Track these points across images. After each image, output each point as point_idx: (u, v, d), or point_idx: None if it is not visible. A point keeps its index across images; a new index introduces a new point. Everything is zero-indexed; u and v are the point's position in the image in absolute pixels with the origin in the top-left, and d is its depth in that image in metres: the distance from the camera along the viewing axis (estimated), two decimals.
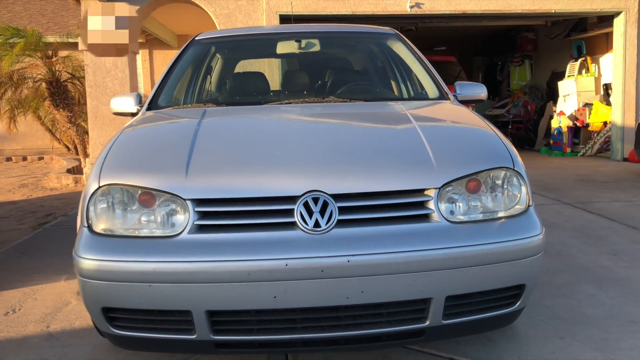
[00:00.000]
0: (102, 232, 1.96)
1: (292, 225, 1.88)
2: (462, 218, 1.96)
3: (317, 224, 1.87)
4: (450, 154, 2.09)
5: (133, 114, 3.21)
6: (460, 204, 1.99)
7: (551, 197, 5.82)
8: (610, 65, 9.55)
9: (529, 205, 2.07)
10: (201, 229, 1.90)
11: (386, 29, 3.63)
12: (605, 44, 10.24)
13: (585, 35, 10.74)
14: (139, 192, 1.97)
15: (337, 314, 1.90)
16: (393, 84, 3.39)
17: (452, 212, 1.96)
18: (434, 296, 1.89)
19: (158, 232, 1.92)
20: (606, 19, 9.60)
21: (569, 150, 10.01)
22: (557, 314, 2.73)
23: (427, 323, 1.94)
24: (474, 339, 2.46)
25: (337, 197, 1.91)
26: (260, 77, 3.57)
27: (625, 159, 8.84)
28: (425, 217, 1.95)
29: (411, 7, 8.80)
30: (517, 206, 2.05)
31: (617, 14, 9.05)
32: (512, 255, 1.94)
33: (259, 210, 1.91)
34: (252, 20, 8.76)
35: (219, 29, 8.74)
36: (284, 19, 8.91)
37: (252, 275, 1.80)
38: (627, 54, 9.02)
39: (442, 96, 3.08)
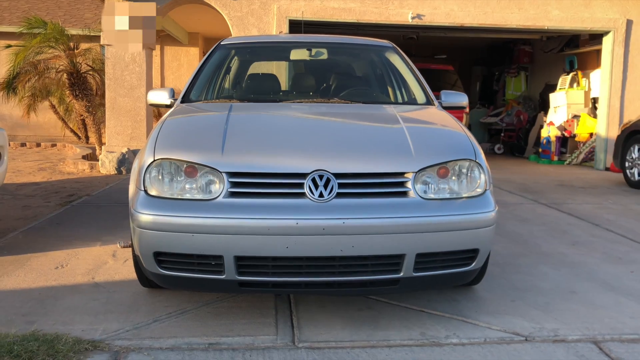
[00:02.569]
0: (155, 194, 2.56)
1: (302, 195, 2.49)
2: (432, 196, 2.57)
3: (321, 195, 2.47)
4: (426, 147, 2.70)
5: (167, 106, 3.82)
6: (432, 186, 2.59)
7: (530, 198, 6.43)
8: (599, 81, 10.16)
9: (486, 189, 2.68)
10: (232, 195, 2.50)
11: (385, 42, 4.24)
12: (595, 60, 10.85)
13: (577, 51, 11.38)
14: (185, 165, 2.57)
15: (333, 262, 2.50)
16: (389, 89, 3.99)
17: (425, 192, 2.57)
18: (407, 252, 2.50)
19: (199, 196, 2.52)
20: (597, 37, 10.22)
21: (556, 158, 10.64)
22: (513, 285, 3.34)
23: (402, 274, 2.55)
24: (441, 298, 3.06)
25: (337, 175, 2.51)
26: (274, 78, 4.17)
27: (607, 169, 9.45)
28: (404, 194, 2.55)
29: (412, 18, 9.41)
30: (477, 189, 2.65)
31: (606, 33, 9.67)
32: (469, 225, 2.54)
33: (277, 183, 2.51)
34: (263, 23, 9.36)
35: (232, 32, 9.36)
36: (293, 23, 9.51)
37: (271, 230, 2.41)
38: (614, 71, 9.64)
39: (429, 102, 3.68)
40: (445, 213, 2.51)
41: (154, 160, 2.60)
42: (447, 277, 2.66)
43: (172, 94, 3.83)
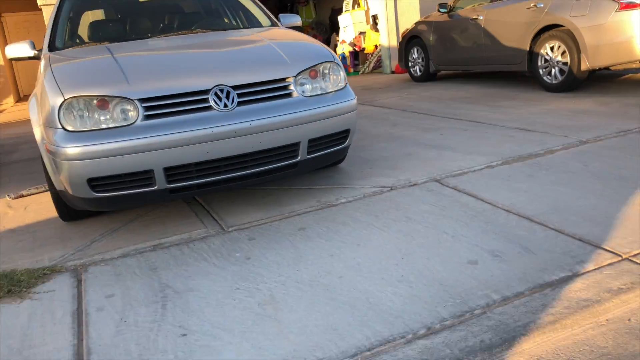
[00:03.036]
0: (73, 129, 2.58)
1: (208, 108, 2.70)
2: (310, 94, 2.94)
3: (225, 106, 2.71)
4: (297, 56, 3.03)
5: (31, 57, 3.61)
6: (308, 86, 2.96)
7: None
8: (376, 1, 11.10)
9: (346, 84, 3.12)
10: (148, 117, 2.62)
11: None
12: None
13: None
14: (96, 99, 2.61)
15: (245, 159, 2.78)
16: (237, 16, 4.16)
17: (303, 92, 2.93)
18: (301, 140, 2.88)
19: (118, 124, 2.60)
20: None
21: (352, 70, 11.59)
22: (365, 159, 3.92)
23: (299, 158, 2.93)
24: (320, 178, 3.53)
25: (235, 87, 2.76)
26: (132, 19, 4.09)
27: (392, 72, 10.60)
28: (289, 95, 2.89)
29: None
30: (340, 84, 3.07)
31: None
32: (342, 111, 2.98)
33: (185, 102, 2.68)
34: None
35: None
36: None
37: (192, 140, 2.61)
38: None
39: (274, 24, 3.98)
40: (324, 104, 2.91)
41: (65, 100, 2.59)
42: (331, 154, 3.10)
43: (33, 45, 3.62)
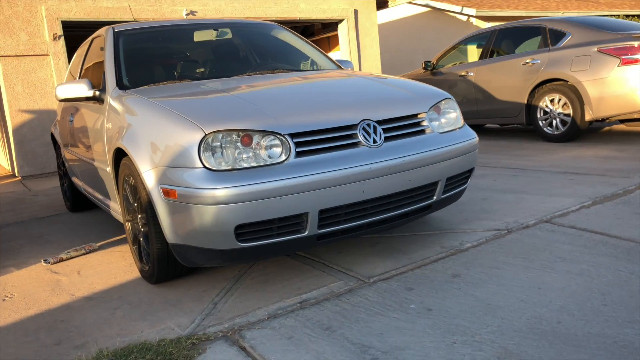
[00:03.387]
0: (217, 168, 2.22)
1: (357, 144, 2.44)
2: (441, 130, 2.78)
3: (374, 141, 2.47)
4: (418, 92, 2.88)
5: (88, 98, 3.20)
6: (436, 122, 2.79)
7: None
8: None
9: (464, 122, 2.99)
10: (299, 154, 2.32)
11: (272, 23, 4.19)
12: (327, 45, 12.06)
13: (314, 39, 12.45)
14: (241, 134, 2.28)
15: (390, 200, 2.53)
16: (302, 59, 3.95)
17: (436, 127, 2.76)
18: (441, 178, 2.68)
19: (268, 161, 2.27)
20: (328, 26, 11.35)
21: None
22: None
23: (434, 198, 2.72)
24: (416, 222, 3.31)
25: (379, 122, 2.54)
26: (210, 58, 3.75)
27: None
28: (423, 131, 2.70)
29: (187, 14, 9.12)
30: (460, 121, 2.94)
31: (341, 20, 10.82)
32: (471, 148, 2.83)
33: (333, 137, 2.42)
34: (31, 26, 8.00)
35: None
36: (67, 25, 8.36)
37: (350, 178, 2.33)
38: (351, 51, 10.87)
39: (339, 67, 3.82)
40: (457, 141, 2.75)
41: (206, 135, 2.24)
42: (456, 195, 2.91)
43: (92, 85, 3.21)
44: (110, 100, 3.07)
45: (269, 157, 2.29)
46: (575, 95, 5.91)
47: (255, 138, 2.29)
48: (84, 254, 3.42)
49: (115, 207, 3.22)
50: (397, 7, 16.41)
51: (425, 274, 2.54)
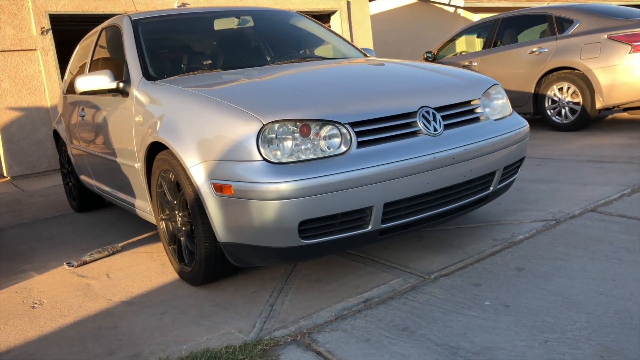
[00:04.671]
0: (277, 161, 2.06)
1: (416, 132, 2.31)
2: (495, 117, 2.66)
3: (434, 130, 2.34)
4: (467, 79, 2.75)
5: (111, 90, 3.01)
6: (489, 109, 2.67)
7: None
8: None
9: (512, 109, 2.87)
10: (361, 144, 2.18)
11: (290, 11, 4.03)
12: None
13: None
14: (300, 124, 2.12)
15: (451, 191, 2.40)
16: (337, 47, 3.79)
17: (490, 114, 2.64)
18: (498, 168, 2.56)
19: (333, 152, 2.12)
20: (320, 18, 11.17)
21: None
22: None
23: (491, 189, 2.60)
24: (478, 213, 3.20)
25: (437, 109, 2.41)
26: (240, 47, 3.57)
27: None
28: (478, 119, 2.58)
29: (178, 6, 8.87)
30: (509, 108, 2.82)
31: (334, 12, 10.67)
32: (524, 136, 2.72)
33: (392, 126, 2.28)
34: (18, 20, 7.67)
35: None
36: (54, 18, 8.05)
37: (416, 168, 2.19)
38: None
39: (364, 55, 3.68)
40: (511, 129, 2.63)
41: (264, 125, 2.08)
42: (509, 184, 2.80)
43: (114, 76, 3.02)
44: (137, 92, 2.88)
45: (328, 148, 2.14)
46: (585, 83, 5.87)
47: (314, 128, 2.14)
48: (107, 256, 3.23)
49: (142, 206, 3.04)
50: (381, 0, 16.30)
51: (487, 269, 2.43)
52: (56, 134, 4.81)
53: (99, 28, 4.04)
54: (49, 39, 7.89)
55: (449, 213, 2.48)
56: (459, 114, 2.49)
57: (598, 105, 5.82)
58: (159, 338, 2.09)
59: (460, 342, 1.84)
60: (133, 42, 3.14)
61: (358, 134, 2.19)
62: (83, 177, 4.28)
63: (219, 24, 3.57)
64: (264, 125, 2.08)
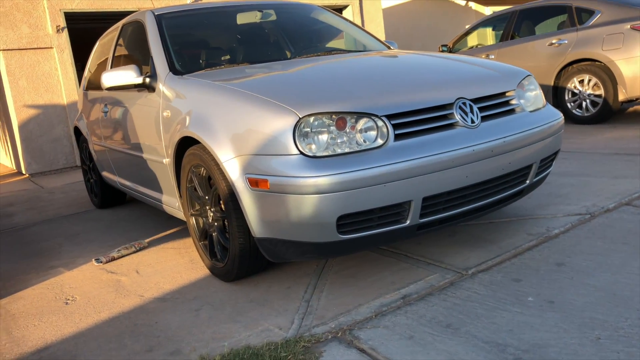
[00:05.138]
0: (315, 154, 2.02)
1: (453, 124, 2.25)
2: (530, 108, 2.59)
3: (472, 122, 2.28)
4: (500, 70, 2.68)
5: (137, 85, 2.97)
6: (523, 101, 2.61)
7: None
8: None
9: (546, 101, 2.81)
10: (398, 137, 2.13)
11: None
12: None
13: None
14: (336, 117, 2.07)
15: (489, 185, 2.35)
16: (360, 40, 3.73)
17: (525, 106, 2.58)
18: (535, 161, 2.50)
19: (369, 145, 2.07)
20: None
21: None
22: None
23: (527, 183, 2.54)
24: (510, 208, 3.14)
25: (474, 100, 2.35)
26: (261, 41, 3.52)
27: None
28: (513, 110, 2.52)
29: (192, 1, 8.83)
30: (542, 100, 2.75)
31: (345, 7, 10.59)
32: (559, 129, 2.65)
33: (429, 118, 2.22)
34: (33, 18, 7.67)
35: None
36: (69, 17, 8.05)
37: (454, 161, 2.14)
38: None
39: (388, 47, 3.62)
40: (547, 121, 2.56)
41: (301, 118, 2.04)
42: (543, 178, 2.74)
43: (140, 71, 2.98)
44: (164, 87, 2.84)
45: (364, 141, 2.09)
46: (607, 75, 5.76)
47: (350, 121, 2.09)
48: (134, 252, 3.21)
49: (170, 202, 3.01)
50: None
51: (525, 264, 2.37)
52: (77, 131, 4.79)
53: (119, 24, 4.01)
54: (64, 37, 7.88)
55: (486, 207, 2.42)
56: (495, 106, 2.43)
57: (621, 97, 5.72)
58: (196, 335, 2.06)
59: (507, 340, 1.79)
60: (158, 37, 3.11)
61: (395, 126, 2.14)
62: (105, 174, 4.27)
63: (242, 18, 3.53)
64: (300, 118, 2.04)
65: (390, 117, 2.13)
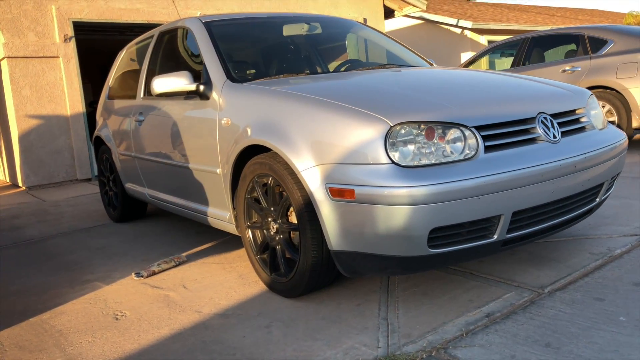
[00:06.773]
0: (406, 164, 1.94)
1: (536, 139, 2.21)
2: (599, 127, 2.57)
3: (554, 136, 2.24)
4: (566, 87, 2.66)
5: (189, 92, 2.89)
6: (591, 118, 2.58)
7: None
8: None
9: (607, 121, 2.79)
10: (487, 149, 2.07)
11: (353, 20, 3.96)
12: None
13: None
14: (425, 126, 2.01)
15: (568, 201, 2.30)
16: (402, 56, 3.70)
17: (595, 124, 2.55)
18: (606, 179, 2.46)
19: (455, 157, 2.01)
20: None
21: None
22: None
23: (597, 201, 2.50)
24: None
25: (554, 115, 2.31)
26: (297, 53, 3.47)
27: None
28: (584, 128, 2.49)
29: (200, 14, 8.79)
30: (604, 120, 2.73)
31: None
32: (624, 149, 2.63)
33: (513, 131, 2.17)
34: (41, 26, 7.53)
35: (2, 37, 7.32)
36: (78, 26, 7.93)
37: (544, 176, 2.09)
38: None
39: (430, 64, 3.60)
40: (617, 140, 2.54)
41: (392, 127, 1.97)
42: (606, 198, 2.70)
43: (192, 78, 2.89)
44: (221, 94, 2.75)
45: (452, 152, 2.03)
46: (620, 102, 5.85)
47: (438, 131, 2.03)
48: (174, 267, 3.07)
49: (218, 214, 2.89)
50: (391, 20, 16.40)
51: (600, 283, 2.31)
52: (98, 141, 4.64)
53: (154, 32, 3.92)
54: (71, 47, 7.75)
55: (561, 225, 2.37)
56: (569, 122, 2.40)
57: (635, 124, 5.80)
58: (276, 353, 1.94)
59: None
60: (210, 44, 3.03)
61: (485, 138, 2.08)
62: (129, 185, 4.12)
63: (288, 30, 3.47)
64: (391, 127, 1.97)
65: (479, 128, 2.08)
